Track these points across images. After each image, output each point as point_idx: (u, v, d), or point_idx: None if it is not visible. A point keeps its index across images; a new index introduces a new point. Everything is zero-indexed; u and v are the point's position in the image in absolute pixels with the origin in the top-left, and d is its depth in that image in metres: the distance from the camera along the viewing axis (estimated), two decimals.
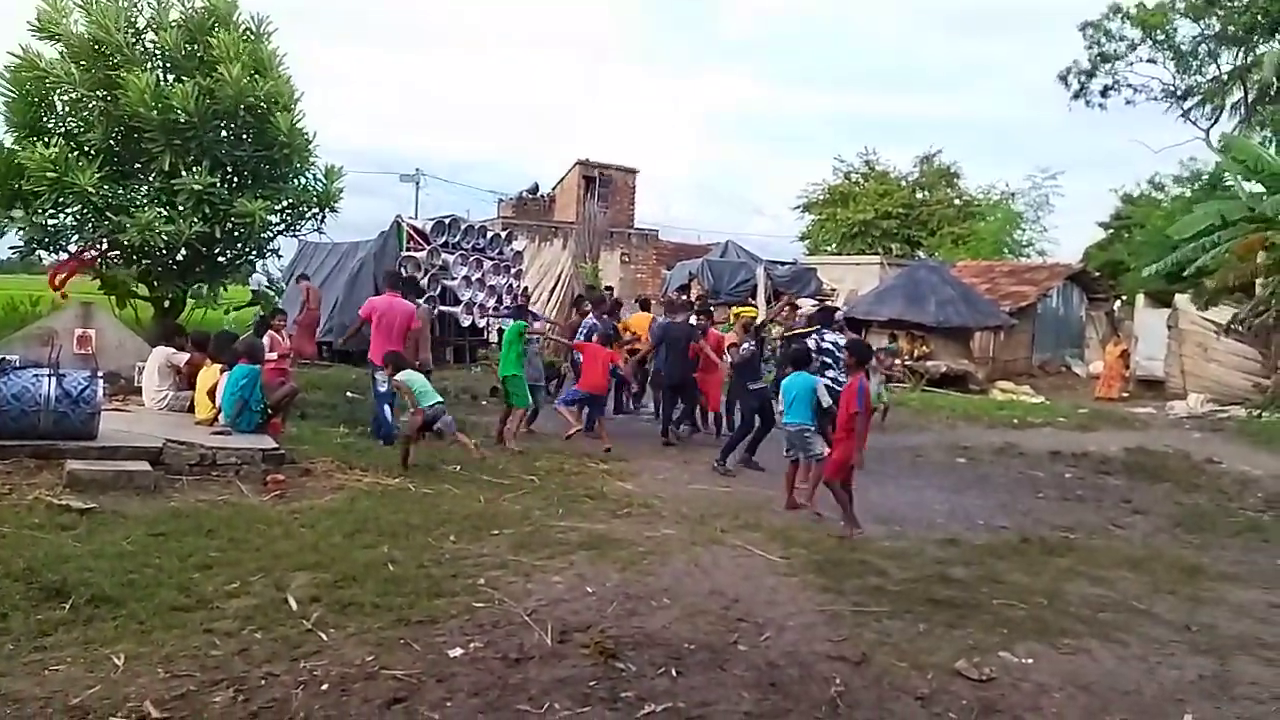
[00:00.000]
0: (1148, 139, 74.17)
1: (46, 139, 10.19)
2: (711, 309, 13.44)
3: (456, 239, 18.65)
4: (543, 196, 33.82)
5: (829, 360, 9.38)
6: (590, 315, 12.53)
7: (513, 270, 20.41)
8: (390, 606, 4.90)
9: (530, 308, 16.42)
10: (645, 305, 15.06)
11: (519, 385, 10.27)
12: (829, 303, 20.78)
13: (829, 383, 8.67)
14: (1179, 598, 5.96)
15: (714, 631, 4.89)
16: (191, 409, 9.00)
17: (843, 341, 9.44)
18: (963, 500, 8.82)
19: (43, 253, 11.42)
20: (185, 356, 9.38)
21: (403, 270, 17.24)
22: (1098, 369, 22.46)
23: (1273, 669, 4.78)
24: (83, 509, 6.18)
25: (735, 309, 12.18)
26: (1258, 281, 18.41)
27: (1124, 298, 28.14)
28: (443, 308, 18.02)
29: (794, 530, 7.12)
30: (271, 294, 12.61)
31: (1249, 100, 33.28)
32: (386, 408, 9.64)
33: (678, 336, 11.01)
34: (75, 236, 11.08)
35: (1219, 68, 35.19)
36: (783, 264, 25.84)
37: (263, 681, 3.98)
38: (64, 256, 11.59)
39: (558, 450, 10.00)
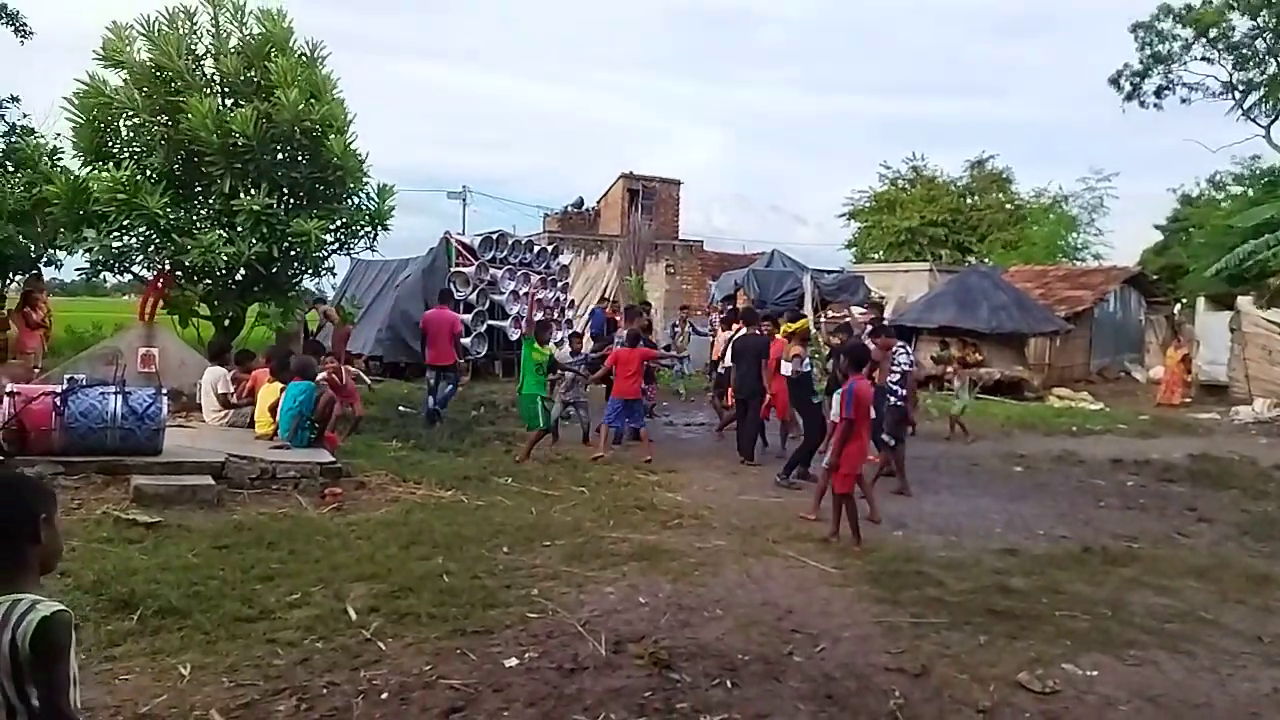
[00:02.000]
0: (1205, 138, 71.91)
1: (115, 163, 10.54)
2: (774, 320, 13.21)
3: (504, 254, 18.86)
4: (588, 210, 34.01)
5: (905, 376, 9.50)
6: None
7: (559, 284, 20.56)
8: (446, 617, 4.96)
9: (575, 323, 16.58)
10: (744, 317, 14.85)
11: (532, 405, 10.21)
12: (872, 305, 20.50)
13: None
14: (1249, 608, 5.78)
15: (768, 643, 4.86)
16: (251, 424, 9.22)
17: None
18: (1021, 509, 8.64)
19: (108, 274, 11.81)
20: (227, 383, 9.63)
21: (453, 286, 17.56)
22: (1158, 374, 21.88)
23: None
24: (149, 522, 6.36)
25: (784, 325, 11.85)
26: None
27: (1184, 301, 27.38)
28: (491, 322, 18.24)
29: (846, 541, 7.04)
30: (349, 311, 12.95)
31: None
32: (430, 399, 11.91)
33: (750, 349, 10.89)
34: (140, 258, 11.43)
35: (1278, 63, 34.19)
36: (830, 272, 25.61)
37: (324, 691, 4.06)
38: (128, 278, 11.98)
39: (607, 462, 10.02)
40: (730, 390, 11.73)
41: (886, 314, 20.41)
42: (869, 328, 11.52)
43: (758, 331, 11.19)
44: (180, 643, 4.46)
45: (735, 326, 12.42)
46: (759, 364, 10.62)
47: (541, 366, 10.39)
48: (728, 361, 12.11)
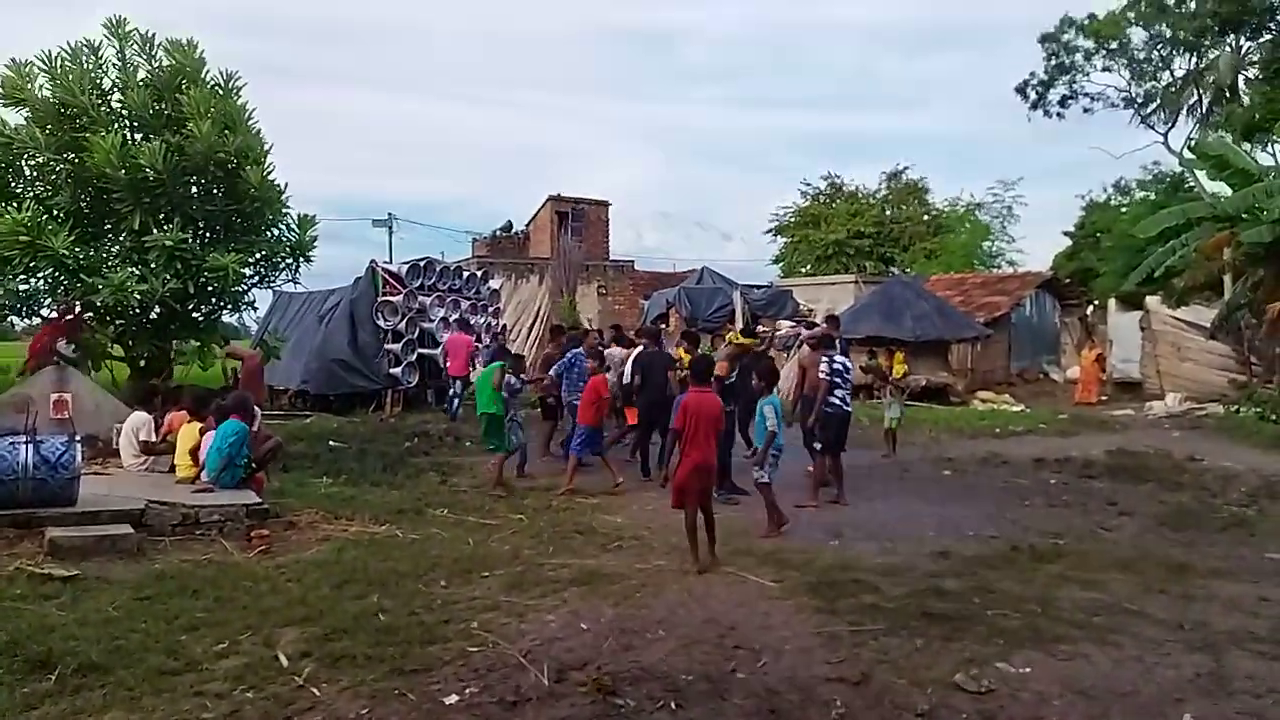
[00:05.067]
0: (1108, 145, 75.19)
1: (17, 204, 10.17)
2: (699, 337, 13.26)
3: (432, 281, 18.66)
4: (517, 234, 33.94)
5: (839, 381, 9.49)
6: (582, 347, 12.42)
7: (490, 309, 20.42)
8: (383, 657, 4.85)
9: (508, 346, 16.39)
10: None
11: (497, 426, 9.97)
12: (829, 319, 20.77)
13: (839, 401, 9.38)
14: (1170, 596, 5.99)
15: (711, 661, 4.87)
16: (172, 469, 8.91)
17: (849, 362, 9.80)
18: (951, 512, 8.84)
19: (15, 318, 11.37)
20: (150, 430, 9.30)
21: (380, 315, 17.30)
22: (1075, 374, 22.66)
23: (1267, 662, 4.81)
24: (65, 576, 6.08)
25: (731, 337, 11.95)
26: (1225, 278, 18.70)
27: (1096, 302, 28.47)
28: (422, 350, 17.99)
29: (785, 553, 7.11)
30: (274, 345, 12.74)
31: (1204, 102, 33.98)
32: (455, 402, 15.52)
33: (654, 365, 10.99)
34: (48, 300, 11.02)
35: (1173, 73, 35.98)
36: (759, 287, 25.96)
37: None
38: (36, 321, 11.52)
39: (545, 487, 9.95)
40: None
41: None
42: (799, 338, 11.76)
43: (659, 347, 11.33)
44: (103, 701, 4.27)
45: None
46: (663, 380, 10.68)
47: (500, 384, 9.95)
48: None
